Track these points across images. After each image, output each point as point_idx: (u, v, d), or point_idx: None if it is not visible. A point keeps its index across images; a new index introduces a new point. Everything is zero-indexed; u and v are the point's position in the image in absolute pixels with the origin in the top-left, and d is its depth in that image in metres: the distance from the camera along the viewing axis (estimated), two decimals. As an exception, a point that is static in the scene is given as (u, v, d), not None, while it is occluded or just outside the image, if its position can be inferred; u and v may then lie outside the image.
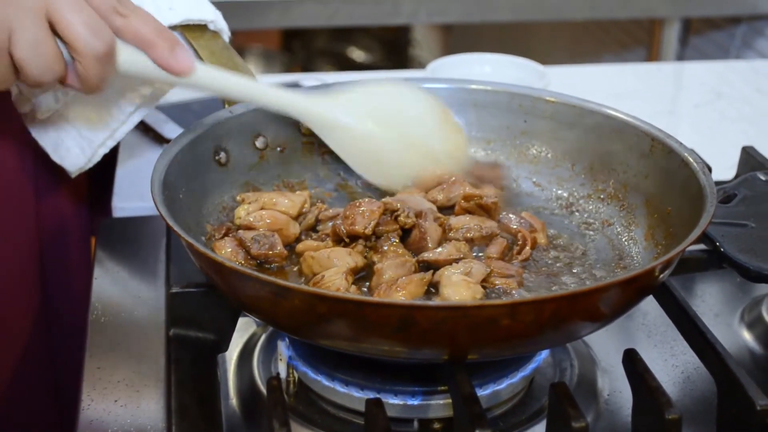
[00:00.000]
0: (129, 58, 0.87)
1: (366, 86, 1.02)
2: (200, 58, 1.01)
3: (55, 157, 1.05)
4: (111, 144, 1.05)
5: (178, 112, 1.36)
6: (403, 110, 1.02)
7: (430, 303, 0.77)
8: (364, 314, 0.73)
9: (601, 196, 1.01)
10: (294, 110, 0.99)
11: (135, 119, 1.04)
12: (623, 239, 0.96)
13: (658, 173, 0.96)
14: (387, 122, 1.01)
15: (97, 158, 1.06)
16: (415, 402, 0.83)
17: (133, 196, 1.22)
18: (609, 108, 1.01)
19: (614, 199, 1.00)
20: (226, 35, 1.03)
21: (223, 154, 0.99)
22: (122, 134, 1.04)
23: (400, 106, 1.02)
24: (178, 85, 0.92)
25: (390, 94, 1.03)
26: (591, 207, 1.01)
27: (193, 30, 1.01)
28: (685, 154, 0.92)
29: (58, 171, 1.08)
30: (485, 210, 0.96)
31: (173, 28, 1.00)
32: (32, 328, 1.12)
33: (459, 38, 3.83)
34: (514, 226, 0.94)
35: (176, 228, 0.80)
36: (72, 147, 1.04)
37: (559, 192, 1.04)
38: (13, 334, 1.10)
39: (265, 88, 0.97)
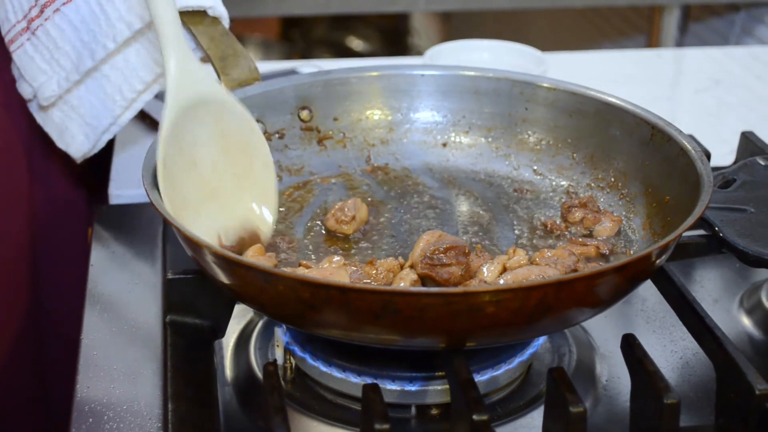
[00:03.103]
0: None
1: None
2: (200, 44, 1.01)
3: (61, 144, 1.05)
4: (116, 129, 1.05)
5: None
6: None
7: (413, 289, 0.76)
8: (348, 300, 0.73)
9: (601, 185, 1.01)
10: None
11: (138, 105, 1.04)
12: (622, 228, 0.96)
13: (658, 161, 0.95)
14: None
15: (102, 144, 1.06)
16: (413, 388, 0.83)
17: (130, 182, 1.21)
18: (610, 95, 1.01)
19: (614, 189, 0.99)
20: (225, 21, 1.03)
21: None
22: (126, 120, 1.05)
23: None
24: None
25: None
26: (590, 196, 1.00)
27: (192, 16, 1.01)
28: (684, 142, 0.92)
29: (54, 158, 1.08)
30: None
31: None
32: (21, 319, 1.11)
33: (458, 27, 3.83)
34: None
35: (163, 212, 0.80)
36: (77, 133, 1.04)
37: (560, 181, 1.03)
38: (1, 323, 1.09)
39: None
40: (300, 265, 0.88)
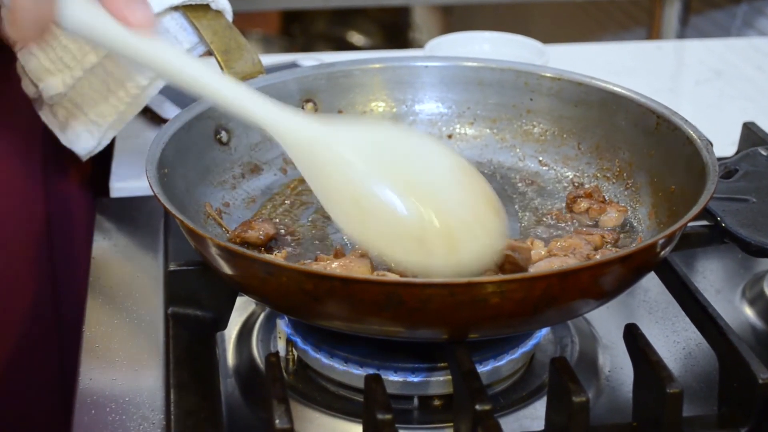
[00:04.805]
0: (76, 8, 0.74)
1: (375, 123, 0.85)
2: (203, 38, 1.00)
3: (65, 141, 1.05)
4: (120, 126, 1.05)
5: (175, 92, 1.35)
6: (421, 159, 0.81)
7: (416, 280, 0.75)
8: (351, 291, 0.73)
9: (607, 175, 1.01)
10: (264, 119, 0.79)
11: (142, 101, 1.04)
12: (627, 218, 0.96)
13: (663, 151, 0.95)
14: (395, 166, 0.79)
15: (107, 141, 1.06)
16: (416, 379, 0.83)
17: (131, 176, 1.21)
18: (615, 85, 1.01)
19: (619, 179, 0.99)
20: (228, 14, 1.03)
21: (224, 133, 0.99)
22: (131, 116, 1.04)
23: (415, 153, 0.81)
24: (124, 56, 0.78)
25: (404, 137, 0.84)
26: (596, 186, 1.00)
27: (195, 10, 1.00)
28: (690, 131, 0.91)
29: (65, 154, 1.08)
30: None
31: (174, 8, 1.00)
32: (39, 312, 1.11)
33: (459, 21, 3.83)
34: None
35: (167, 204, 0.80)
36: (81, 131, 1.04)
37: (565, 171, 1.03)
38: (20, 319, 1.09)
39: (235, 86, 0.80)
40: (316, 259, 0.87)
